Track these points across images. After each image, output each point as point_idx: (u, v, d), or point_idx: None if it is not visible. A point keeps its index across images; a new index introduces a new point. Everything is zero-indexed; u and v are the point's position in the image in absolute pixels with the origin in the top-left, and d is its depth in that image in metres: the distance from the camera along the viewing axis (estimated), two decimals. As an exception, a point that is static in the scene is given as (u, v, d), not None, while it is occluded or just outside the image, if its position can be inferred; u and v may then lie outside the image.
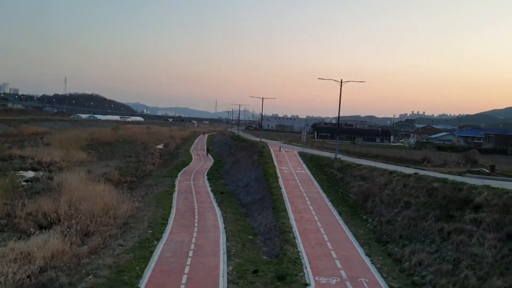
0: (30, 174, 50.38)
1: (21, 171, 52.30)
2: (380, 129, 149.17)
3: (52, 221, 27.87)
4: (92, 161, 64.93)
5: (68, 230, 25.08)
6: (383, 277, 18.55)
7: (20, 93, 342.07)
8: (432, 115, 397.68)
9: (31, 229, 24.73)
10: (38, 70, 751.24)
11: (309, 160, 45.80)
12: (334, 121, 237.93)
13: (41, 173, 49.19)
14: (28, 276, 18.76)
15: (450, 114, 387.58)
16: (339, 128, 53.71)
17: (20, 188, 40.82)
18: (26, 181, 45.70)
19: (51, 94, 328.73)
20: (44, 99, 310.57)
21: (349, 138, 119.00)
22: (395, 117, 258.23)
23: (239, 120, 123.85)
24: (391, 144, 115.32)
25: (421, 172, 30.98)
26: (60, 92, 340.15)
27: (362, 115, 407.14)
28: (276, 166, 41.59)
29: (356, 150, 66.99)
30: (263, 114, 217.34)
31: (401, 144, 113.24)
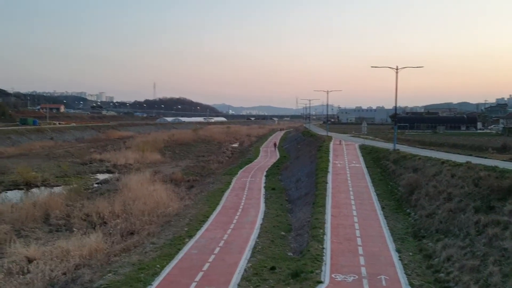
0: (105, 176, 53.70)
1: (97, 174, 56.07)
2: (465, 116, 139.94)
3: (105, 221, 29.52)
4: (165, 161, 67.74)
5: (113, 229, 26.52)
6: (406, 274, 17.55)
7: (114, 101, 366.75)
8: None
9: (74, 228, 26.30)
10: (130, 78, 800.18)
11: (368, 153, 44.31)
12: (422, 110, 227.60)
13: (112, 176, 52.13)
14: (64, 273, 19.98)
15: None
16: (395, 117, 51.33)
17: (90, 190, 43.80)
18: (98, 183, 48.91)
19: (142, 100, 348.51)
20: (136, 105, 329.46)
21: (431, 128, 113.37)
22: (486, 102, 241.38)
23: (309, 114, 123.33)
24: (477, 131, 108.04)
25: (476, 161, 28.73)
26: (150, 97, 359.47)
27: (455, 102, 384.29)
28: (330, 160, 40.69)
29: (433, 140, 63.55)
30: (343, 107, 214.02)
31: (489, 131, 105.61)
